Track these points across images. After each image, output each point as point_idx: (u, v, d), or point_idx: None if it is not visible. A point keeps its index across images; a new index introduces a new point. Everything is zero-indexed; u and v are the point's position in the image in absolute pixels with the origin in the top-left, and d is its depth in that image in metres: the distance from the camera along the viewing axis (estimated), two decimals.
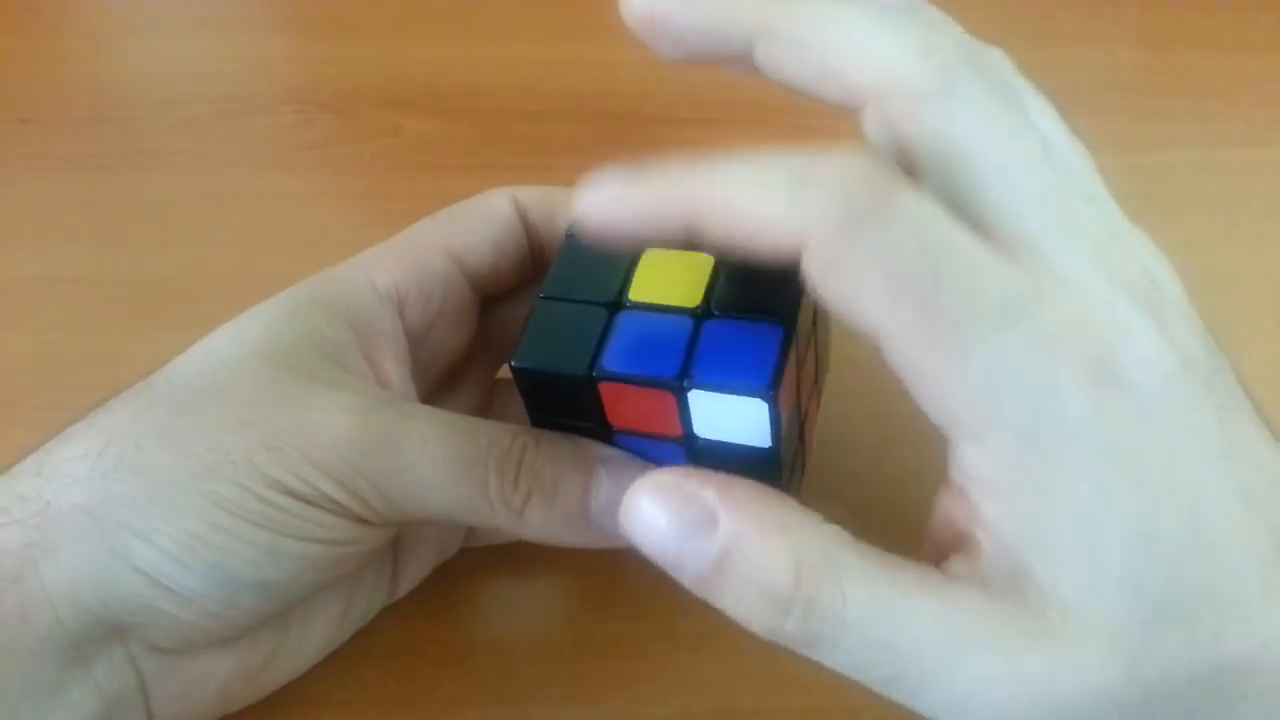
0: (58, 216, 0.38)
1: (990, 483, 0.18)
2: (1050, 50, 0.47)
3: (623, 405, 0.21)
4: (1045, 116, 0.20)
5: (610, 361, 0.21)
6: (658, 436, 0.22)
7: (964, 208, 0.18)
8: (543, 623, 0.26)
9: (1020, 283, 0.17)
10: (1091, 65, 0.45)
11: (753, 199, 0.18)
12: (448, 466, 0.21)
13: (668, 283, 0.22)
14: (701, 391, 0.20)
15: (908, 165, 0.19)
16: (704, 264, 0.22)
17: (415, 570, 0.26)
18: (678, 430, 0.21)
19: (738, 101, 0.44)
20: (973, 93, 0.18)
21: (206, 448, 0.20)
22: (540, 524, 0.22)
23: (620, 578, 0.27)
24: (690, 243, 0.19)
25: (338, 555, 0.21)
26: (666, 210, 0.18)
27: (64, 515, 0.20)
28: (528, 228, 0.26)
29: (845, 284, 0.17)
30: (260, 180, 0.40)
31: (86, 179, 0.40)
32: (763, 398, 0.20)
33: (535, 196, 0.26)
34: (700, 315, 0.21)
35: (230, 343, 0.22)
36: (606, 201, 0.19)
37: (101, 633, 0.20)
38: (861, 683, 0.19)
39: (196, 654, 0.22)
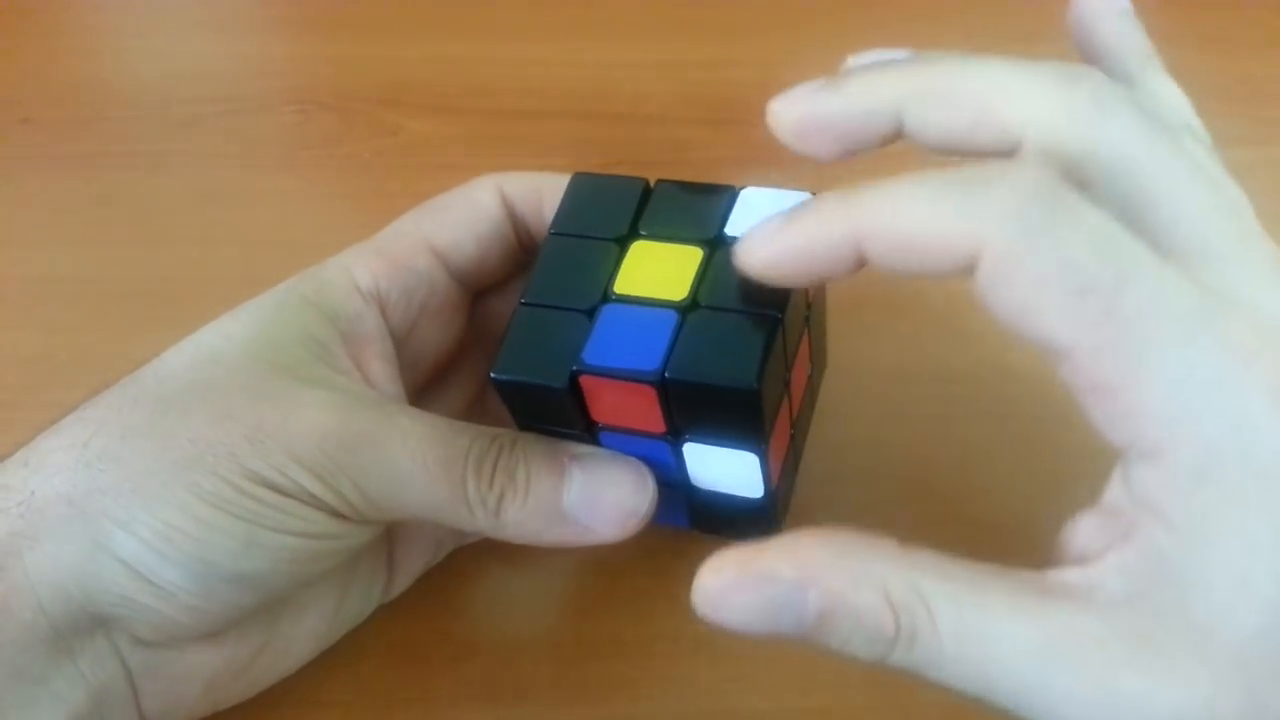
0: (58, 216, 0.38)
1: (1158, 503, 0.17)
2: (1051, 50, 0.47)
3: (604, 400, 0.21)
4: (1189, 135, 0.20)
5: (591, 355, 0.20)
6: (642, 433, 0.22)
7: (1135, 222, 0.17)
8: (543, 623, 0.26)
9: (1202, 295, 0.17)
10: None
11: (926, 213, 0.17)
12: (428, 466, 0.21)
13: (655, 275, 0.21)
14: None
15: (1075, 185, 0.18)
16: (693, 256, 0.21)
17: (411, 568, 0.26)
18: (661, 427, 0.21)
19: (737, 101, 0.43)
20: (1127, 112, 0.18)
21: (189, 439, 0.20)
22: (516, 523, 0.22)
23: (620, 578, 0.27)
24: (857, 270, 0.18)
25: (315, 549, 0.21)
26: (834, 238, 0.18)
27: (48, 505, 0.20)
28: (515, 219, 0.26)
29: (1023, 294, 0.17)
30: (260, 180, 0.40)
31: (86, 179, 0.40)
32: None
33: (522, 185, 0.26)
34: (686, 309, 0.21)
35: (220, 338, 0.22)
36: (770, 239, 0.19)
37: (85, 623, 0.20)
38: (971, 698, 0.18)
39: (182, 647, 0.22)
